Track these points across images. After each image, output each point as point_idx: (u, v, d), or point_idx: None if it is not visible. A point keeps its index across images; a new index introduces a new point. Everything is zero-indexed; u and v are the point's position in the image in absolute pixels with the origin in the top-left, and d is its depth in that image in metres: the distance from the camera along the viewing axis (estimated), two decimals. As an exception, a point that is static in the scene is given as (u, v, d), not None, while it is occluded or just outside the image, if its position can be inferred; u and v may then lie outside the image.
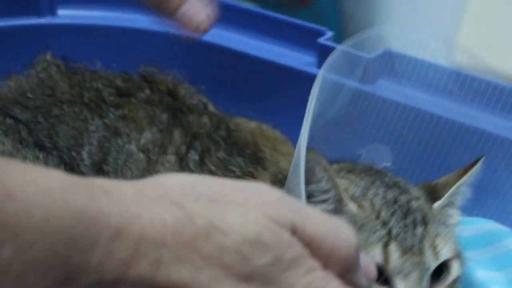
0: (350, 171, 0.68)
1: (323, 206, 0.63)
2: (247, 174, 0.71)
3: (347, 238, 0.46)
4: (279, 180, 0.70)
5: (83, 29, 0.87)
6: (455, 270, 0.64)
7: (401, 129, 0.76)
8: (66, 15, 0.89)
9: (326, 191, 0.62)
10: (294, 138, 0.69)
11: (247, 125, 0.76)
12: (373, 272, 0.50)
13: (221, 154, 0.72)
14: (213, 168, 0.71)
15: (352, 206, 0.63)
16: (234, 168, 0.71)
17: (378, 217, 0.63)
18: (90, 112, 0.72)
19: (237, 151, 0.72)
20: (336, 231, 0.46)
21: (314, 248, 0.44)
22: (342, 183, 0.65)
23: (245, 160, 0.72)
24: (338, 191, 0.62)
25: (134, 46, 0.87)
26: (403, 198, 0.65)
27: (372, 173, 0.68)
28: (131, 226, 0.40)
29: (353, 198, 0.64)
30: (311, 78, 0.61)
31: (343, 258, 0.45)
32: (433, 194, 0.67)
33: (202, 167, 0.70)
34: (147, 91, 0.75)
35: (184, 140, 0.72)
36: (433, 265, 0.62)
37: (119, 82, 0.75)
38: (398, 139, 0.76)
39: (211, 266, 0.41)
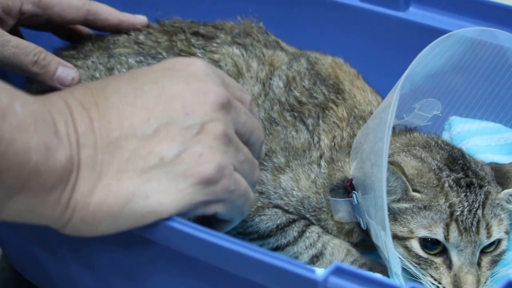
0: (425, 146, 0.75)
1: (392, 197, 0.70)
2: (329, 101, 0.78)
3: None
4: (354, 116, 0.78)
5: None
6: (503, 245, 0.73)
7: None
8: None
9: (394, 186, 0.70)
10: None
11: (325, 59, 0.84)
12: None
13: (305, 82, 0.80)
14: (298, 94, 0.78)
15: (416, 195, 0.71)
16: (318, 95, 0.79)
17: (446, 199, 0.71)
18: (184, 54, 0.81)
19: (320, 81, 0.80)
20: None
21: None
22: (413, 164, 0.72)
23: (328, 89, 0.80)
24: (406, 185, 0.70)
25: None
26: (474, 182, 0.72)
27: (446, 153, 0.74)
28: None
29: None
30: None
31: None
32: (502, 179, 0.74)
33: (288, 94, 0.78)
34: (222, 34, 0.83)
35: (261, 68, 0.80)
36: (485, 242, 0.71)
37: (200, 29, 0.84)
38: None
39: None
